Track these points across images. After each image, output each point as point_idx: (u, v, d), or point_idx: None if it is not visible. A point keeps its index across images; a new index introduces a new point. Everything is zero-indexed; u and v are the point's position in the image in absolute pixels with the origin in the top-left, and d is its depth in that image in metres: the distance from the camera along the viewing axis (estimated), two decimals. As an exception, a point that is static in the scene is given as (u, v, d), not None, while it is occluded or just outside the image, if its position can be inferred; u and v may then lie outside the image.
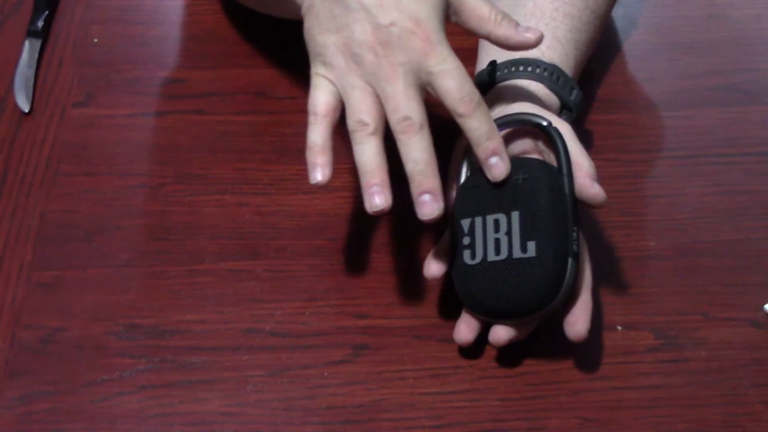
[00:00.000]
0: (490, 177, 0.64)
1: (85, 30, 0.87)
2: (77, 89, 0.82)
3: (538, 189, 0.63)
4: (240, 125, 0.80)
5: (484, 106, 0.62)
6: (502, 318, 0.64)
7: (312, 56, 0.64)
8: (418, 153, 0.61)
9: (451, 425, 0.63)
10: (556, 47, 0.72)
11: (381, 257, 0.71)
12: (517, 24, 0.65)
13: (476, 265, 0.63)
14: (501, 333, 0.64)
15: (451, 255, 0.65)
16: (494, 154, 0.63)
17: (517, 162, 0.65)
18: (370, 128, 0.62)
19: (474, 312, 0.65)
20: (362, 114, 0.62)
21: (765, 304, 0.69)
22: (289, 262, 0.71)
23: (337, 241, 0.72)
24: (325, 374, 0.65)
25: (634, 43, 0.88)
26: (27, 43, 0.85)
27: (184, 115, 0.80)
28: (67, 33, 0.87)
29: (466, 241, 0.64)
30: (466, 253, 0.64)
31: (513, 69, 0.71)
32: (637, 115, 0.82)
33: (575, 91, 0.72)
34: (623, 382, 0.65)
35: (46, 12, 0.87)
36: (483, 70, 0.72)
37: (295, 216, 0.74)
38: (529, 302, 0.62)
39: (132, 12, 0.90)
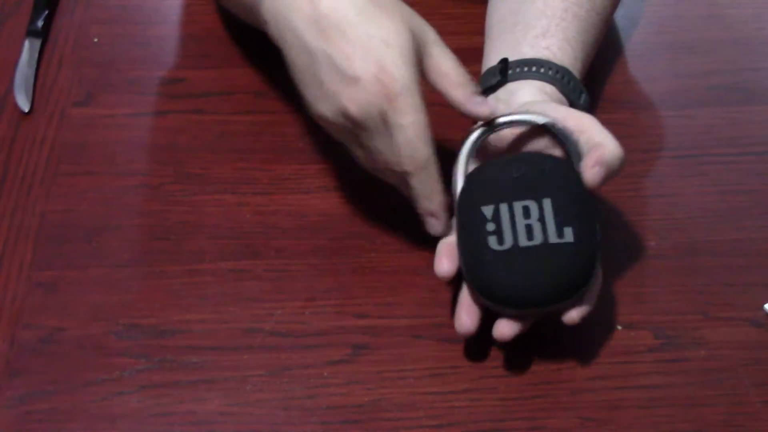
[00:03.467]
0: (428, 231, 0.65)
1: (85, 29, 0.87)
2: (77, 89, 0.82)
3: (568, 178, 0.63)
4: (240, 125, 0.80)
5: (431, 166, 0.62)
6: (526, 306, 0.63)
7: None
8: (427, 190, 0.63)
9: (450, 425, 0.63)
10: (567, 49, 0.72)
11: (381, 257, 0.71)
12: (475, 92, 0.64)
13: (506, 250, 0.62)
14: (505, 329, 0.63)
15: (464, 244, 0.64)
16: (431, 215, 0.64)
17: (540, 156, 0.65)
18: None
19: (491, 300, 0.63)
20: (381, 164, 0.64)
21: (765, 303, 0.69)
22: (289, 261, 0.71)
23: (337, 241, 0.72)
24: (325, 374, 0.65)
25: (634, 43, 0.88)
26: (27, 43, 0.85)
27: (184, 114, 0.80)
28: (67, 33, 0.87)
29: (490, 227, 0.63)
30: (492, 239, 0.63)
31: (525, 69, 0.71)
32: (638, 115, 0.82)
33: (584, 95, 0.72)
34: (623, 382, 0.65)
35: (46, 11, 0.87)
36: (494, 67, 0.71)
37: (295, 216, 0.74)
38: (563, 288, 0.62)
39: (132, 12, 0.90)
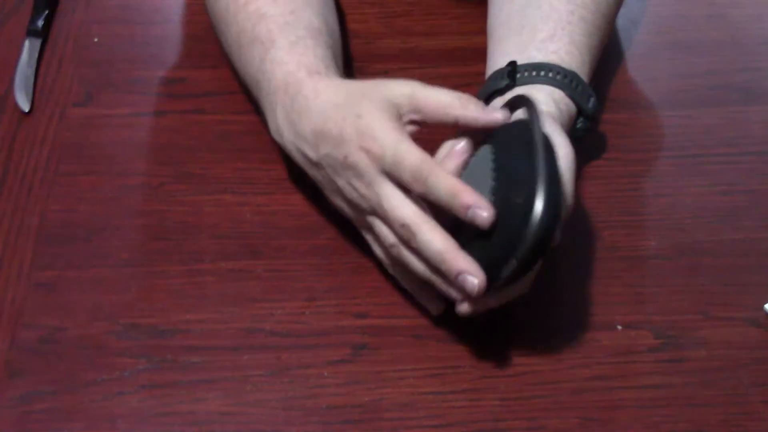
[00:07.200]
0: (479, 227, 0.60)
1: (85, 29, 0.87)
2: (77, 89, 0.82)
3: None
4: (240, 124, 0.79)
5: (434, 172, 0.60)
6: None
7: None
8: (427, 251, 0.61)
9: (451, 425, 0.63)
10: (574, 53, 0.72)
11: (381, 257, 0.71)
12: (483, 105, 0.64)
13: None
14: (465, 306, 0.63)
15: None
16: (468, 207, 0.59)
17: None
18: (395, 244, 0.64)
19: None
20: (385, 239, 0.64)
21: (765, 303, 0.69)
22: (289, 261, 0.71)
23: (337, 241, 0.72)
24: (325, 374, 0.65)
25: (634, 43, 0.88)
26: (27, 43, 0.85)
27: (184, 114, 0.80)
28: (68, 32, 0.87)
29: None
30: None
31: (534, 73, 0.70)
32: (638, 115, 0.82)
33: (592, 100, 0.72)
34: (623, 382, 0.65)
35: (46, 11, 0.87)
36: (501, 70, 0.71)
37: (295, 216, 0.74)
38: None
39: (132, 11, 0.90)
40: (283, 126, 0.67)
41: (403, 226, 0.61)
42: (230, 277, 0.70)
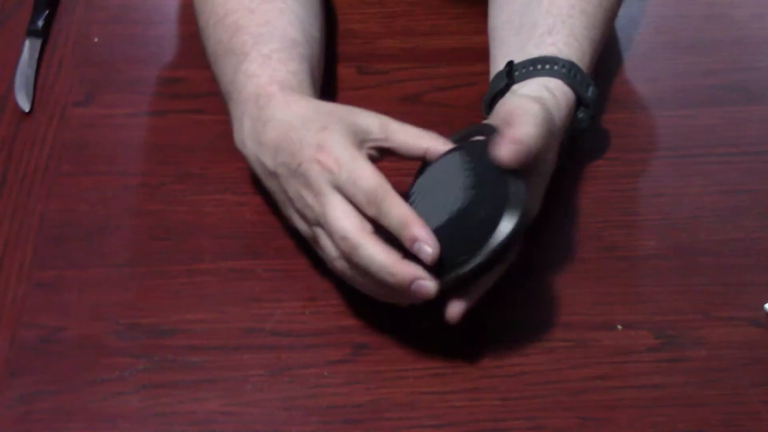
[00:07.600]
0: (424, 258, 0.60)
1: (85, 29, 0.87)
2: (77, 89, 0.82)
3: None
4: (240, 125, 0.79)
5: (389, 198, 0.61)
6: None
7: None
8: (371, 266, 0.61)
9: (451, 425, 0.63)
10: (574, 45, 0.72)
11: (381, 257, 0.71)
12: (452, 142, 0.65)
13: None
14: (455, 308, 0.64)
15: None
16: (415, 240, 0.60)
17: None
18: (336, 258, 0.64)
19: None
20: (329, 261, 0.64)
21: (765, 303, 0.69)
22: (289, 261, 0.71)
23: (337, 240, 0.72)
24: (326, 373, 0.65)
25: (634, 43, 0.88)
26: (27, 43, 0.85)
27: (185, 114, 0.80)
28: (68, 32, 0.87)
29: None
30: None
31: (531, 68, 0.71)
32: (638, 115, 0.82)
33: (591, 88, 0.72)
34: (623, 382, 0.65)
35: (47, 11, 0.87)
36: (501, 71, 0.72)
37: (295, 215, 0.74)
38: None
39: (132, 11, 0.90)
40: (247, 135, 0.68)
41: (344, 238, 0.61)
42: (230, 277, 0.70)
